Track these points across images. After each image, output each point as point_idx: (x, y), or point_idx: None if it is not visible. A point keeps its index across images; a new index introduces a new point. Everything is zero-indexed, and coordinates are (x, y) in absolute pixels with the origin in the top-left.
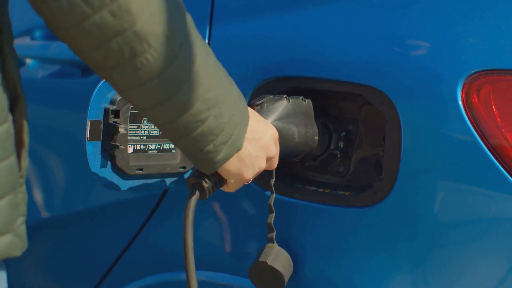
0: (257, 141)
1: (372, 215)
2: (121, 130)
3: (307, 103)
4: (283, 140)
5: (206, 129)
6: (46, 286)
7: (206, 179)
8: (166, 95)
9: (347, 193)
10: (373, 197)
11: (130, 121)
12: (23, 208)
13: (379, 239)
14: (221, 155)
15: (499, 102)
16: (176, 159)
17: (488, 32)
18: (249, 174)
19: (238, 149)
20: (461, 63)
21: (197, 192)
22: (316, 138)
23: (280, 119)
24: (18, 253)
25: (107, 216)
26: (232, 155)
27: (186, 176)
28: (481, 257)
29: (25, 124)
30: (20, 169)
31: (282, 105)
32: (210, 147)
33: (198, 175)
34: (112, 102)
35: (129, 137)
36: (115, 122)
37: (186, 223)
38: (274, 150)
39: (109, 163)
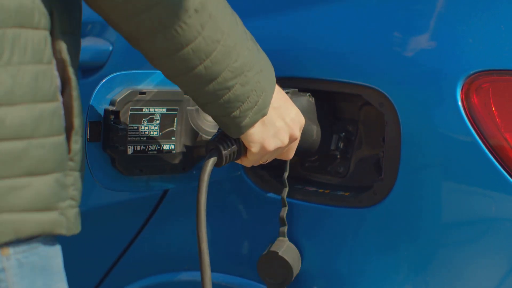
0: (282, 114)
1: (372, 216)
2: (121, 131)
3: (325, 108)
4: (302, 133)
5: (232, 96)
6: None
7: (225, 145)
8: (193, 64)
9: (347, 194)
10: (373, 197)
11: (130, 122)
12: (73, 192)
13: (379, 239)
14: (247, 120)
15: (498, 102)
16: (176, 160)
17: (487, 32)
18: (271, 145)
19: (264, 114)
20: (460, 63)
21: (214, 157)
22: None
23: (302, 112)
24: (63, 231)
25: (107, 217)
26: (258, 120)
27: (186, 177)
28: (481, 257)
29: (74, 107)
30: (69, 151)
31: (306, 100)
32: (236, 113)
33: (219, 140)
34: (112, 103)
35: (128, 138)
36: (115, 123)
37: (201, 186)
38: (298, 133)
39: (109, 164)
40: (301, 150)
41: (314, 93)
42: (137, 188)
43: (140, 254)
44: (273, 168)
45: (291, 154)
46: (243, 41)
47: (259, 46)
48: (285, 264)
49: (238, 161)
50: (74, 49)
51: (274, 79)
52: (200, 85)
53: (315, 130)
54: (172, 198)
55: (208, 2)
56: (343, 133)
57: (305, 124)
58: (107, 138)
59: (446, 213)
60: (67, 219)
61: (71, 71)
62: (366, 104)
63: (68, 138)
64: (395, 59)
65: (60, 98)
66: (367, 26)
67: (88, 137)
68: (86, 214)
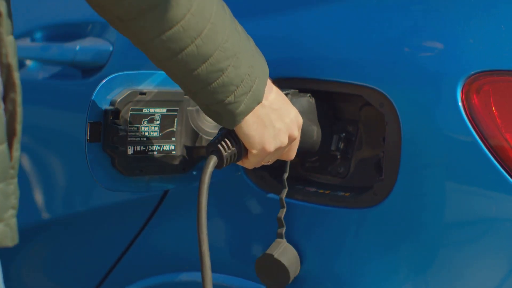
0: (282, 116)
1: (372, 216)
2: (121, 131)
3: (326, 108)
4: (302, 134)
5: (226, 79)
6: (46, 286)
7: (225, 147)
8: (185, 44)
9: (347, 194)
10: (373, 198)
11: (130, 122)
12: (14, 200)
13: (379, 240)
14: (242, 107)
15: (499, 102)
16: (176, 161)
17: (488, 32)
18: (271, 146)
19: (258, 101)
20: (461, 63)
21: (215, 159)
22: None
23: (302, 112)
24: (8, 243)
25: (107, 218)
26: (253, 108)
27: (186, 177)
28: (481, 258)
29: (17, 113)
30: (11, 158)
31: (306, 101)
32: (231, 98)
33: (220, 142)
34: (112, 104)
35: (129, 139)
36: (115, 123)
37: (202, 188)
38: (297, 133)
39: (109, 164)
40: (302, 150)
41: (314, 94)
42: (137, 189)
43: (140, 254)
44: (274, 168)
45: (292, 155)
46: (232, 24)
47: (249, 36)
48: (281, 267)
49: (239, 163)
50: (16, 52)
51: (267, 68)
52: (192, 67)
53: (316, 130)
54: (172, 199)
55: None
56: (344, 134)
57: (305, 125)
58: (107, 139)
59: (446, 213)
60: (10, 229)
61: (16, 76)
62: (367, 104)
63: (10, 146)
64: (395, 59)
65: (1, 105)
66: (367, 26)
67: (88, 137)
68: (86, 214)
